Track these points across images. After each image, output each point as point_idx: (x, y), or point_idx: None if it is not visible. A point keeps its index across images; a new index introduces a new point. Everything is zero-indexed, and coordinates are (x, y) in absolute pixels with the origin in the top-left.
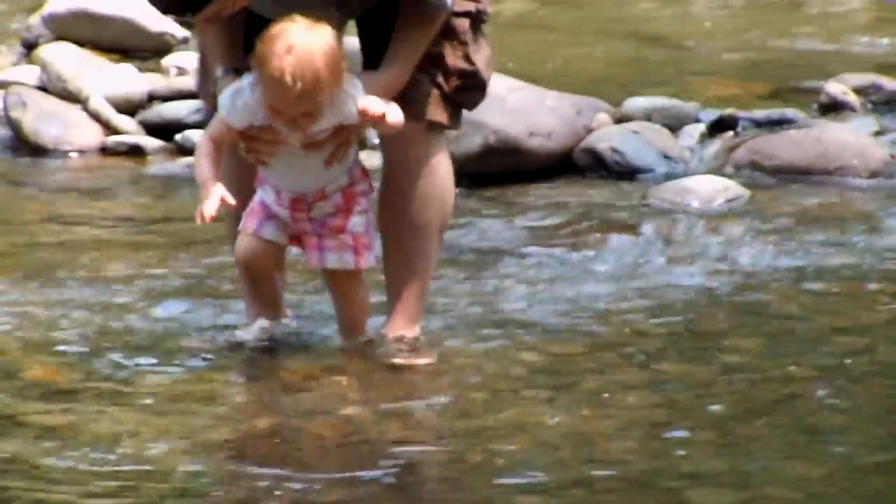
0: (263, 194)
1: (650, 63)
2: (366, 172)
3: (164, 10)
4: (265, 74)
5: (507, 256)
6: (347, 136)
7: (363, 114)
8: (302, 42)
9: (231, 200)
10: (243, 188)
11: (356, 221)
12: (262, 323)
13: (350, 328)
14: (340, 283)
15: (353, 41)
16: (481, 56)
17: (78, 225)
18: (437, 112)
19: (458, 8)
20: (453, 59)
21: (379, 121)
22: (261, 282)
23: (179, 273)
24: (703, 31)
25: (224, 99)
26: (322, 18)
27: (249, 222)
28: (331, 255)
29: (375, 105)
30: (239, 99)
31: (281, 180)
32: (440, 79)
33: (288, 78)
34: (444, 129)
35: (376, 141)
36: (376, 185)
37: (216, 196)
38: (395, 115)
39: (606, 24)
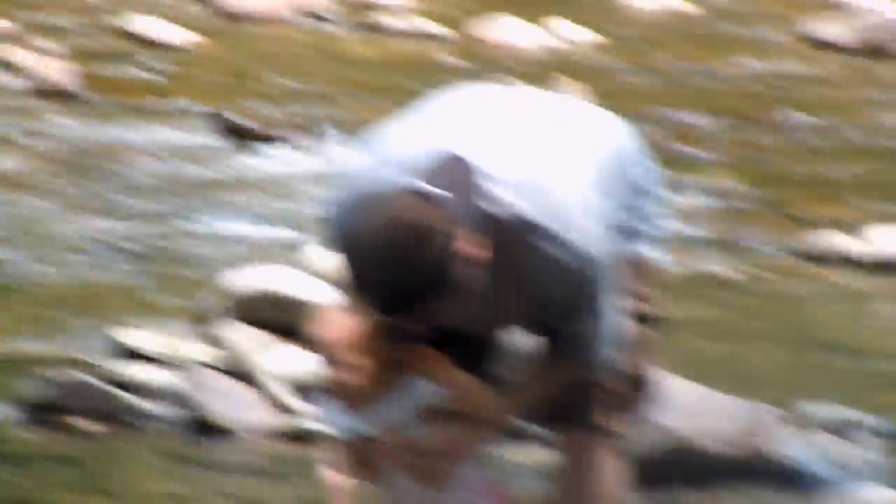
0: None
1: (827, 370)
2: (499, 493)
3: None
4: None
5: None
6: (448, 450)
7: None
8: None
9: None
10: None
11: None
12: None
13: None
14: None
15: None
16: (648, 360)
17: None
18: (604, 419)
19: (629, 308)
20: (623, 366)
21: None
22: None
23: None
24: (878, 342)
25: (330, 423)
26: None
27: None
28: None
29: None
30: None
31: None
32: (609, 387)
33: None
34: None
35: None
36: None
37: None
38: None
39: (783, 329)
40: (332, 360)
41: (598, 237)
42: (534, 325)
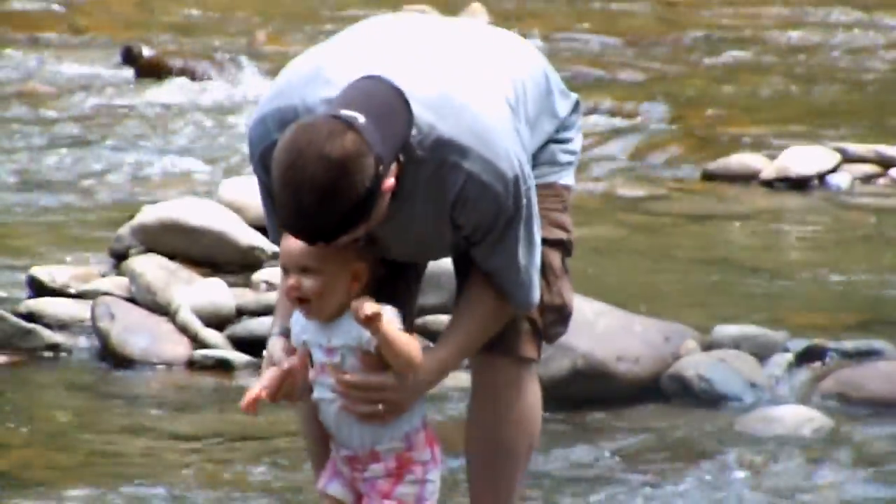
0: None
1: (738, 291)
2: (433, 442)
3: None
4: None
5: (594, 482)
6: (374, 388)
7: (356, 314)
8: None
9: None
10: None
11: (405, 491)
12: None
13: None
14: None
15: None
16: (568, 288)
17: (161, 438)
18: (528, 348)
19: (551, 236)
20: (549, 296)
21: (369, 323)
22: None
23: (258, 491)
24: (791, 262)
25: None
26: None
27: (322, 477)
28: None
29: (369, 306)
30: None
31: (333, 434)
32: (536, 317)
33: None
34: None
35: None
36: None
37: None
38: (391, 319)
39: (694, 251)
40: (289, 272)
41: (519, 157)
42: (459, 252)
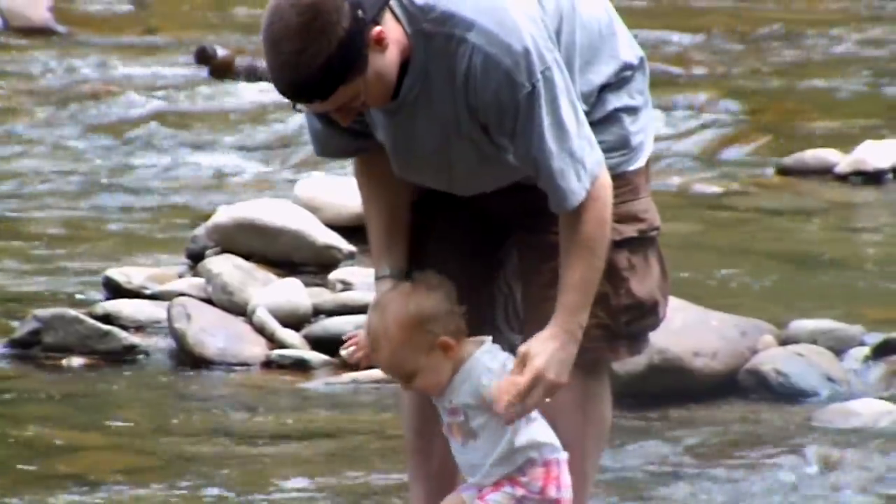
0: None
1: (814, 286)
2: (550, 483)
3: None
4: None
5: (671, 477)
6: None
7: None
8: (385, 299)
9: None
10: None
11: (497, 499)
12: None
13: None
14: None
15: None
16: (647, 282)
17: (239, 438)
18: (610, 355)
19: (617, 236)
20: (616, 298)
21: (517, 404)
22: None
23: (335, 491)
24: (867, 256)
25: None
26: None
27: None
28: None
29: (500, 393)
30: None
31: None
32: (607, 321)
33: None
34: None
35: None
36: None
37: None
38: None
39: (769, 246)
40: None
41: (533, 34)
42: (487, 142)
